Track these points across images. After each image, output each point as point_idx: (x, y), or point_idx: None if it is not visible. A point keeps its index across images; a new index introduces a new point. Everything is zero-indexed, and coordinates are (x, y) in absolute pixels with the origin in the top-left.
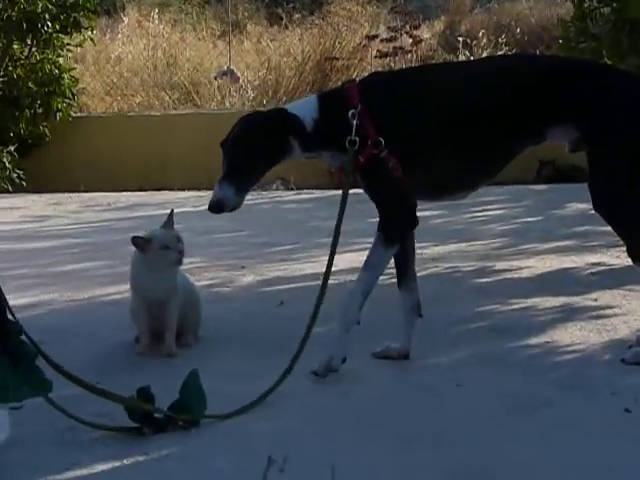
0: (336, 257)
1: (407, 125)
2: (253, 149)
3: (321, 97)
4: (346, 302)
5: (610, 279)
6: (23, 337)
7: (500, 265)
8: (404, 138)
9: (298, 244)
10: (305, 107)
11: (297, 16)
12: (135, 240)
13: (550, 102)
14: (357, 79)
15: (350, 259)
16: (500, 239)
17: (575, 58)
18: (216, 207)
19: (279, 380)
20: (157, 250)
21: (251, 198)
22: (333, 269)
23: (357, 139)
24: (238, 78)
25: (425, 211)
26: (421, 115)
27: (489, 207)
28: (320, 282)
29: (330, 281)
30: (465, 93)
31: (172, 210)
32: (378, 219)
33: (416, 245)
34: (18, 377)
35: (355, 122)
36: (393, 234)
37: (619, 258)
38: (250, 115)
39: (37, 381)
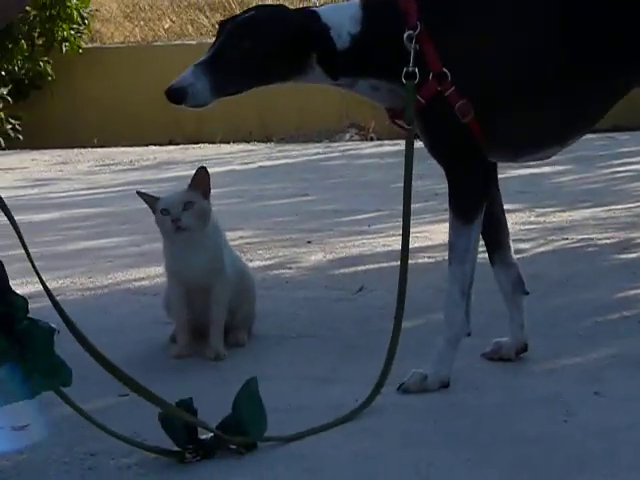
0: (432, 228)
1: (483, 51)
2: (259, 47)
3: (366, 6)
4: (446, 309)
5: None
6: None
7: None
8: (478, 70)
9: (381, 212)
10: (342, 16)
11: None
12: (141, 195)
13: None
14: None
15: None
16: None
17: None
18: (175, 95)
19: (366, 402)
20: (158, 214)
21: (317, 152)
22: (428, 244)
23: (416, 70)
24: None
25: (544, 166)
26: (502, 38)
27: (635, 159)
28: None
29: (425, 260)
30: (563, 7)
31: (200, 168)
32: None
33: (537, 211)
34: (27, 368)
35: (414, 47)
36: (471, 207)
37: None
38: (270, 7)
39: (51, 368)
